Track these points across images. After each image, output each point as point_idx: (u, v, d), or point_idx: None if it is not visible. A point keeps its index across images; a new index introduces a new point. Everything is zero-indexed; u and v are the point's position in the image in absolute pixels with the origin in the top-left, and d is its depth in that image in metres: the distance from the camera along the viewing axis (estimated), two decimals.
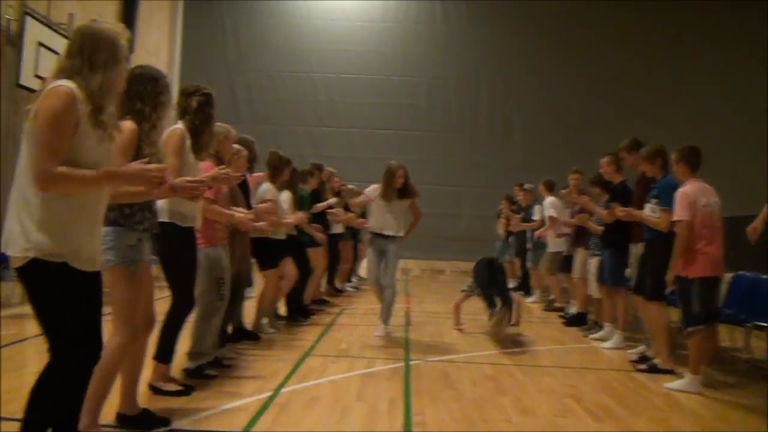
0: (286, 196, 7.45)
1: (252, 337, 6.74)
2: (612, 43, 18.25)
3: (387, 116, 18.70)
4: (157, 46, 17.35)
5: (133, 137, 3.74)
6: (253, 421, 4.16)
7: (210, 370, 5.28)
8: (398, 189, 7.17)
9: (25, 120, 2.91)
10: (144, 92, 3.90)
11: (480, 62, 18.91)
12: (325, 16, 18.90)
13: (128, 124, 3.73)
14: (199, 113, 4.65)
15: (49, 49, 10.47)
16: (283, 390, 4.93)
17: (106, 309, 3.91)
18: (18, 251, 2.84)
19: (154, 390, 4.65)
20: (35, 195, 2.87)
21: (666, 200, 6.01)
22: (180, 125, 4.57)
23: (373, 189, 7.35)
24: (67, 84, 2.87)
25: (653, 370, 6.09)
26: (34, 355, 5.61)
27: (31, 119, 2.88)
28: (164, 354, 4.68)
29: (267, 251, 6.92)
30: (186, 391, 4.71)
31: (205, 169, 4.78)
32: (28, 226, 2.86)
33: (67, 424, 3.05)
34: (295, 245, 7.72)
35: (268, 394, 4.78)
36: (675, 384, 5.52)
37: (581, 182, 9.02)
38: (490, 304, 7.47)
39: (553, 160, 15.62)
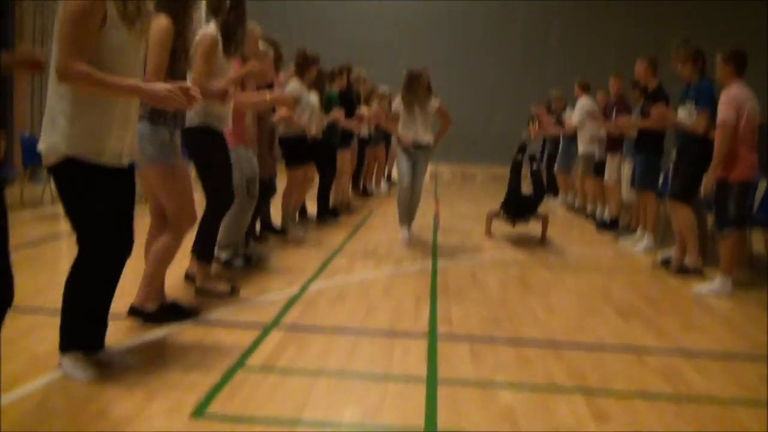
0: (314, 97, 7.36)
1: (278, 232, 6.82)
2: None
3: (421, 18, 18.20)
4: None
5: (168, 35, 3.67)
6: (280, 315, 4.22)
7: (238, 262, 5.36)
8: (422, 95, 6.95)
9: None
10: None
11: None
12: None
13: (162, 21, 3.66)
14: (233, 12, 4.48)
15: None
16: (311, 287, 4.97)
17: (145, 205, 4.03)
18: (52, 149, 2.90)
19: (203, 292, 4.60)
20: (67, 93, 2.90)
21: (703, 103, 5.84)
22: (212, 28, 4.41)
23: (397, 102, 7.19)
24: None
25: (683, 270, 6.09)
26: (67, 253, 5.70)
27: (59, 15, 2.86)
28: (205, 252, 4.68)
29: (294, 150, 6.91)
30: (233, 291, 4.67)
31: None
32: (62, 125, 2.91)
33: (100, 312, 3.18)
34: (324, 146, 7.69)
35: (297, 289, 4.83)
36: (705, 286, 5.45)
37: (620, 87, 8.75)
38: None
39: (589, 63, 15.19)
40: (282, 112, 6.17)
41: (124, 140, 3.08)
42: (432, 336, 3.97)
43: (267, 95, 5.20)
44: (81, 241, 3.06)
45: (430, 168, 7.63)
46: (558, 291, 5.26)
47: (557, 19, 18.11)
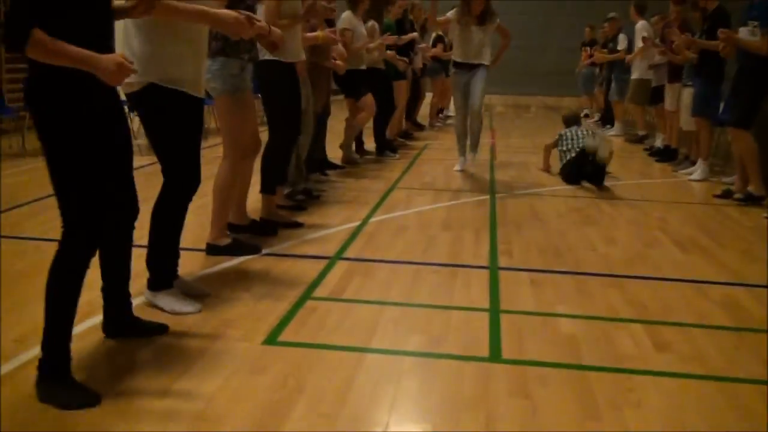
0: (370, 26, 7.38)
1: (337, 167, 6.97)
2: None
3: None
4: None
5: None
6: (343, 247, 4.35)
7: (300, 197, 5.50)
8: (479, 11, 6.63)
9: None
10: None
11: None
12: None
13: None
14: None
15: None
16: (371, 220, 5.09)
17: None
18: (134, 77, 2.78)
19: (269, 222, 4.72)
20: (144, 24, 2.99)
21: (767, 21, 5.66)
22: None
23: (452, 13, 6.80)
24: None
25: (748, 198, 6.05)
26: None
27: None
28: (268, 186, 4.81)
29: (349, 81, 6.96)
30: (298, 224, 4.83)
31: None
32: (142, 52, 3.02)
33: (174, 241, 3.36)
34: (380, 77, 7.71)
35: (357, 223, 4.95)
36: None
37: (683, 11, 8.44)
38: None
39: None
40: (336, 52, 6.14)
41: (200, 70, 3.21)
42: (493, 267, 4.06)
43: (318, 35, 5.29)
44: (168, 171, 3.16)
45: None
46: (617, 223, 5.27)
47: None
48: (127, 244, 2.86)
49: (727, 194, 6.31)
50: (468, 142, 7.18)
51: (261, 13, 4.27)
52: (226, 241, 4.14)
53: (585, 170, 6.58)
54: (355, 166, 7.31)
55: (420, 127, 10.97)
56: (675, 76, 8.05)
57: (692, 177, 7.22)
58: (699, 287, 3.86)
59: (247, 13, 3.19)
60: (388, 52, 7.93)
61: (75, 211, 2.39)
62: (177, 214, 3.29)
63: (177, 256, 3.41)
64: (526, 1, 17.19)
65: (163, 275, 3.30)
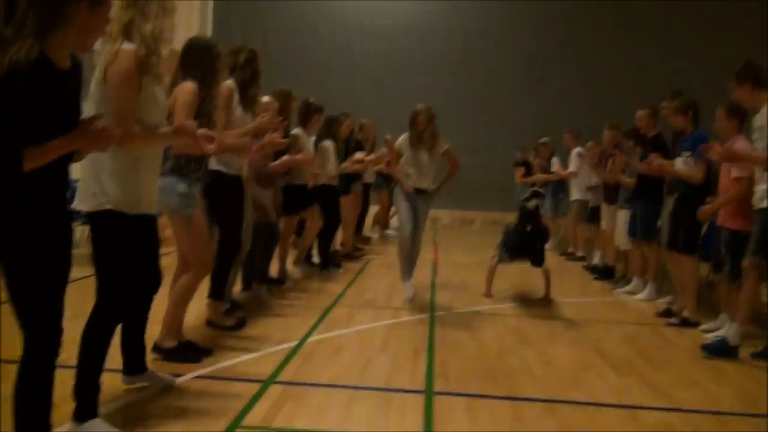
0: (328, 145, 7.80)
1: (278, 282, 6.92)
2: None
3: (421, 64, 18.46)
4: None
5: (194, 96, 4.09)
6: (278, 370, 4.26)
7: (239, 313, 5.49)
8: (426, 136, 6.46)
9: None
10: (199, 59, 4.24)
11: (515, 13, 18.53)
12: None
13: (189, 84, 4.11)
14: (246, 68, 5.03)
15: None
16: (310, 339, 5.02)
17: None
18: (94, 205, 3.16)
19: (213, 325, 5.09)
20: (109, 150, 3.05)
21: (699, 153, 5.94)
22: (229, 81, 4.90)
23: (402, 139, 6.65)
24: (130, 46, 3.15)
25: (684, 323, 6.14)
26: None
27: (100, 81, 3.16)
28: (215, 291, 5.07)
29: (293, 198, 7.01)
30: (240, 323, 5.17)
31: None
32: (103, 180, 3.16)
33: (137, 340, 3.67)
34: (329, 193, 7.87)
35: (295, 343, 4.88)
36: (713, 330, 5.26)
37: (614, 138, 8.89)
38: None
39: (585, 112, 15.41)
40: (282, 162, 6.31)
41: (154, 189, 3.41)
42: (429, 392, 4.01)
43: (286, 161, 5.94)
44: (102, 290, 3.20)
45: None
46: (554, 344, 5.30)
47: (555, 71, 18.42)
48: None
49: (668, 313, 6.45)
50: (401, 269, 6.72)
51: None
52: (170, 343, 4.26)
53: (528, 245, 6.67)
54: (297, 280, 7.31)
55: (366, 240, 11.05)
56: (611, 198, 8.35)
57: (639, 297, 7.32)
58: (633, 413, 3.87)
59: (206, 131, 3.49)
60: (348, 164, 8.25)
61: (34, 321, 2.54)
62: (106, 337, 3.24)
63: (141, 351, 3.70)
64: (471, 121, 17.87)
65: (90, 402, 3.17)
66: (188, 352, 4.35)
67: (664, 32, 17.66)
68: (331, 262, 8.17)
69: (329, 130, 8.01)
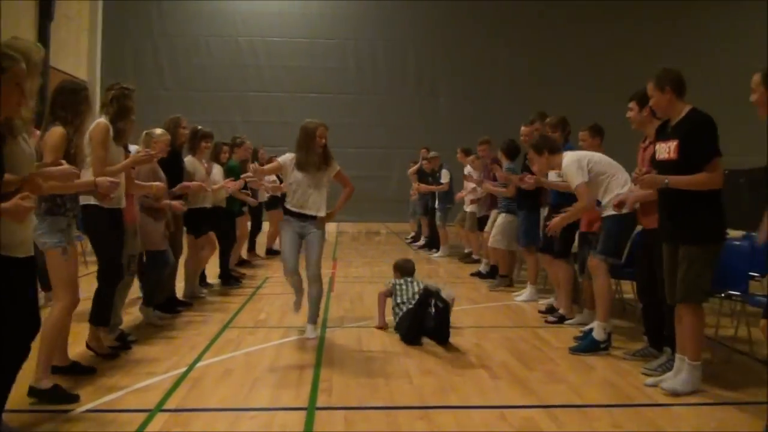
0: (217, 170, 8.12)
1: (186, 304, 7.18)
2: (540, 9, 18.64)
3: (315, 80, 18.71)
4: (79, 12, 16.93)
5: (62, 139, 4.31)
6: (164, 398, 4.36)
7: (130, 337, 5.69)
8: (319, 155, 5.86)
9: None
10: (66, 102, 4.46)
11: (407, 25, 19.05)
12: None
13: (57, 129, 4.32)
14: (113, 104, 5.18)
15: None
16: (199, 364, 5.13)
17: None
18: None
19: (90, 349, 5.20)
20: None
21: None
22: (103, 118, 5.11)
23: (287, 157, 5.99)
24: None
25: (561, 320, 6.73)
26: None
27: None
28: (97, 318, 5.19)
29: (193, 219, 7.37)
30: (115, 353, 5.29)
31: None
32: None
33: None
34: (223, 215, 8.22)
35: (183, 369, 4.98)
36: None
37: (489, 152, 9.72)
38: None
39: (479, 122, 16.05)
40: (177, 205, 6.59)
41: (29, 232, 3.57)
42: (311, 408, 4.21)
43: (152, 185, 5.86)
44: None
45: (330, 227, 7.59)
46: (437, 351, 5.57)
47: (444, 87, 19.05)
48: None
49: (551, 310, 7.03)
50: (307, 312, 6.10)
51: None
52: (48, 384, 4.24)
53: (426, 325, 5.80)
54: (198, 299, 7.54)
55: (260, 258, 11.42)
56: (494, 205, 8.99)
57: (519, 298, 7.92)
58: (501, 412, 4.18)
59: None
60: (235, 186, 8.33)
61: None
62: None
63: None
64: (367, 135, 18.24)
65: None
66: (63, 392, 4.27)
67: (552, 55, 18.59)
68: (231, 277, 8.64)
69: (217, 156, 8.41)
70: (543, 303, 7.41)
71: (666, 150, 4.59)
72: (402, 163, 17.10)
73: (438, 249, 12.18)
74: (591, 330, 5.78)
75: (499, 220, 8.70)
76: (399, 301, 6.25)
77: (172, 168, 6.70)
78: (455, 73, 18.99)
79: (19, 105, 3.35)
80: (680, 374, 4.59)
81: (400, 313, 6.11)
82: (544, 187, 7.07)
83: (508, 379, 4.86)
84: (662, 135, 4.72)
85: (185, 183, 6.88)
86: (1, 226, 3.26)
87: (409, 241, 14.50)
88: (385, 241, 15.79)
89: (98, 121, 5.09)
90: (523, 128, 7.92)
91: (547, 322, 6.76)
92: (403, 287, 6.35)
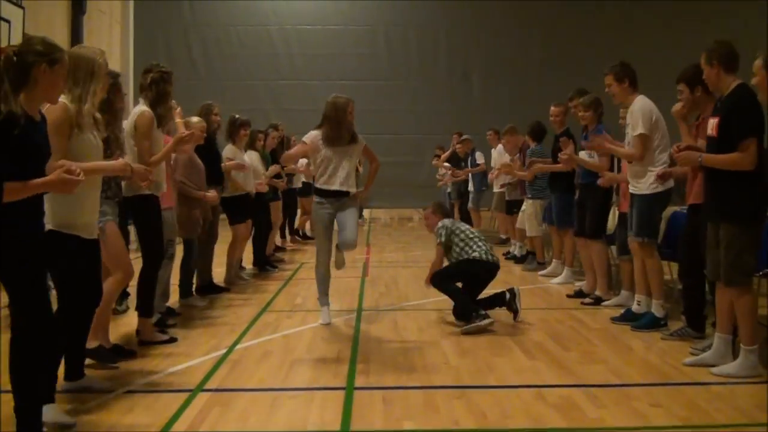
0: (254, 156, 8.24)
1: (223, 290, 7.30)
2: None
3: (346, 67, 18.71)
4: (110, 5, 17.13)
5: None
6: (206, 378, 4.45)
7: (170, 320, 5.85)
8: (350, 129, 5.81)
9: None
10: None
11: (439, 8, 18.94)
12: None
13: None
14: (152, 89, 5.17)
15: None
16: (238, 347, 5.22)
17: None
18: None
19: (145, 344, 5.20)
20: None
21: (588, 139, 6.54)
22: (143, 104, 5.14)
23: (313, 135, 5.81)
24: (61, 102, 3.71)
25: (597, 301, 6.65)
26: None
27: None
28: (144, 308, 5.26)
29: (236, 207, 7.53)
30: (172, 340, 5.34)
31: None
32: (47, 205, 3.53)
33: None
34: (259, 201, 8.27)
35: (223, 351, 5.07)
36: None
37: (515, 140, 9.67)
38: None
39: (510, 107, 15.95)
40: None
41: (94, 216, 3.96)
42: (349, 387, 4.26)
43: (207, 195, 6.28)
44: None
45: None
46: (472, 334, 5.57)
47: (476, 72, 18.94)
48: None
49: (579, 294, 6.96)
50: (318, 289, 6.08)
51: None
52: (94, 344, 4.55)
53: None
54: (237, 286, 7.63)
55: (305, 238, 11.74)
56: (524, 191, 8.93)
57: (556, 281, 7.87)
58: (538, 391, 4.18)
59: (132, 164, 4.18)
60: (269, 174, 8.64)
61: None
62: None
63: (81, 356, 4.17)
64: (399, 121, 18.22)
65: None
66: (106, 353, 4.68)
67: (582, 39, 18.36)
68: (267, 263, 8.75)
69: (253, 143, 8.47)
70: (579, 285, 7.36)
71: (711, 126, 4.54)
72: (433, 149, 17.09)
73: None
74: (629, 310, 5.76)
75: (528, 209, 8.66)
76: (466, 236, 6.07)
77: (208, 154, 6.78)
78: (487, 58, 18.86)
79: (60, 94, 3.58)
80: (730, 358, 4.52)
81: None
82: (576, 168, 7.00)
83: (545, 360, 4.86)
84: (713, 111, 4.65)
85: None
86: (66, 207, 3.72)
87: None
88: (418, 227, 15.75)
89: (142, 110, 5.09)
90: (553, 108, 7.87)
91: (583, 303, 6.71)
92: (457, 229, 6.14)
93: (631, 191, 5.76)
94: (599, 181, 6.39)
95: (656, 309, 5.68)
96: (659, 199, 5.61)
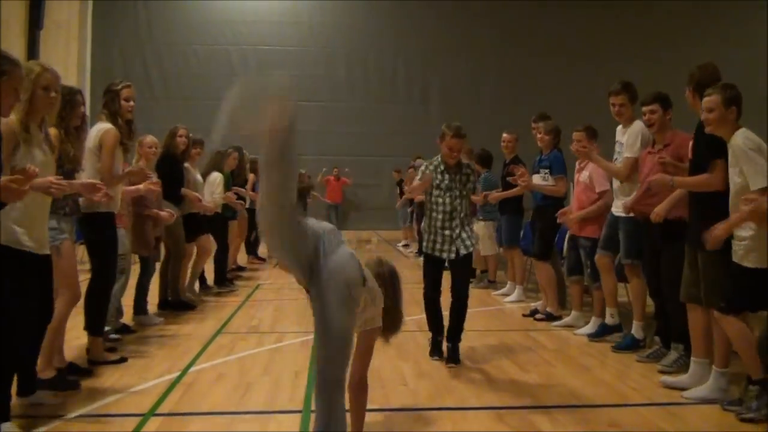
0: (216, 177, 8.40)
1: (189, 307, 7.35)
2: (536, 18, 18.75)
3: (306, 89, 18.69)
4: (68, 19, 16.88)
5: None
6: (158, 402, 4.32)
7: (114, 335, 5.78)
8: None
9: None
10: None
11: (397, 33, 19.13)
12: None
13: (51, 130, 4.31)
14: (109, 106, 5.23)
15: None
16: (192, 369, 5.09)
17: None
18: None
19: (94, 364, 5.08)
20: None
21: (559, 170, 6.81)
22: (108, 123, 5.12)
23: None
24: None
25: (549, 317, 6.85)
26: None
27: None
28: (94, 327, 5.15)
29: (190, 225, 7.47)
30: (122, 360, 5.25)
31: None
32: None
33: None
34: (217, 220, 8.37)
35: (176, 374, 4.94)
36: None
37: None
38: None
39: (467, 130, 16.06)
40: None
41: (44, 231, 3.92)
42: (306, 411, 4.17)
43: (140, 187, 5.79)
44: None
45: None
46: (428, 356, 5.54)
47: (434, 96, 19.12)
48: None
49: (534, 313, 7.09)
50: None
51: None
52: (51, 374, 4.43)
53: None
54: (195, 302, 7.63)
55: (262, 260, 11.78)
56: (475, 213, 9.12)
57: (508, 299, 8.05)
58: (498, 413, 4.15)
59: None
60: (227, 194, 8.66)
61: None
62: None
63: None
64: (358, 143, 18.26)
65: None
66: (66, 380, 4.55)
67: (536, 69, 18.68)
68: (226, 280, 8.82)
69: (216, 163, 8.58)
70: (532, 305, 7.44)
71: (689, 148, 4.65)
72: (391, 171, 17.17)
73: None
74: (628, 338, 5.78)
75: (481, 230, 8.67)
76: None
77: (170, 175, 6.89)
78: (445, 81, 19.07)
79: (11, 108, 3.53)
80: (704, 380, 4.50)
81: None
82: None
83: (504, 381, 4.84)
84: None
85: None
86: (17, 222, 3.66)
87: (402, 246, 14.79)
88: (376, 249, 15.76)
89: (107, 127, 5.07)
90: (505, 135, 8.04)
91: (536, 319, 6.91)
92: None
93: (615, 213, 5.81)
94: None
95: (636, 330, 5.73)
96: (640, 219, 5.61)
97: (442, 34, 18.99)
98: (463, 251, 5.29)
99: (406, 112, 19.02)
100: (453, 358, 5.29)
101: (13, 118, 3.73)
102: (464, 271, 5.47)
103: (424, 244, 5.43)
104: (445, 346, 5.43)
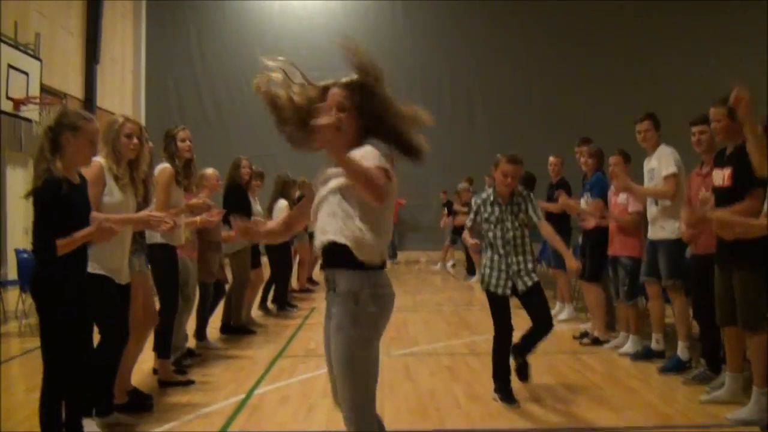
0: (282, 204, 8.98)
1: (250, 332, 7.74)
2: (583, 37, 18.87)
3: None
4: (122, 54, 17.64)
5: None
6: (228, 423, 4.63)
7: (187, 361, 6.13)
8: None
9: None
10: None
11: (443, 53, 19.38)
12: (290, 13, 19.31)
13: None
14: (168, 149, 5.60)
15: (18, 70, 10.80)
16: (256, 392, 5.40)
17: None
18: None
19: (164, 385, 5.49)
20: None
21: (597, 194, 6.97)
22: (166, 162, 5.51)
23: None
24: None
25: (595, 342, 6.99)
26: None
27: None
28: (162, 350, 5.56)
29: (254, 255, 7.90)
30: (189, 382, 5.60)
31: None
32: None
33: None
34: (279, 246, 8.68)
35: (242, 396, 5.26)
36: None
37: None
38: None
39: (515, 150, 16.19)
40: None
41: (125, 262, 4.41)
42: None
43: (197, 219, 6.02)
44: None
45: None
46: (481, 378, 5.72)
47: (480, 115, 19.31)
48: None
49: (582, 336, 7.25)
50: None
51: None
52: (123, 400, 4.74)
53: None
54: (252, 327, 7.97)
55: (315, 283, 11.90)
56: None
57: (560, 317, 8.24)
58: None
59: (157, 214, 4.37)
60: None
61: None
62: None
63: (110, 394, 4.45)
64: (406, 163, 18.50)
65: None
66: (139, 402, 4.87)
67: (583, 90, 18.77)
68: (287, 304, 9.30)
69: (282, 191, 9.22)
70: (581, 327, 7.60)
71: (723, 177, 4.71)
72: (440, 191, 17.34)
73: (474, 274, 12.43)
74: (673, 359, 5.90)
75: None
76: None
77: (238, 205, 7.18)
78: (490, 100, 19.24)
79: (88, 158, 3.93)
80: (741, 394, 4.71)
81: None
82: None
83: (553, 404, 5.03)
84: (719, 161, 4.84)
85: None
86: (103, 253, 4.12)
87: (451, 266, 15.25)
88: (425, 269, 15.99)
89: (163, 166, 5.46)
90: (552, 158, 8.30)
91: (582, 343, 7.06)
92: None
93: (653, 238, 6.00)
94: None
95: (681, 351, 5.88)
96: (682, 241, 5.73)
97: (490, 52, 19.18)
98: (521, 287, 5.06)
99: (452, 131, 19.18)
100: (523, 372, 5.41)
101: (101, 160, 4.26)
102: (537, 297, 5.11)
103: (484, 279, 5.22)
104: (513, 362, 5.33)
